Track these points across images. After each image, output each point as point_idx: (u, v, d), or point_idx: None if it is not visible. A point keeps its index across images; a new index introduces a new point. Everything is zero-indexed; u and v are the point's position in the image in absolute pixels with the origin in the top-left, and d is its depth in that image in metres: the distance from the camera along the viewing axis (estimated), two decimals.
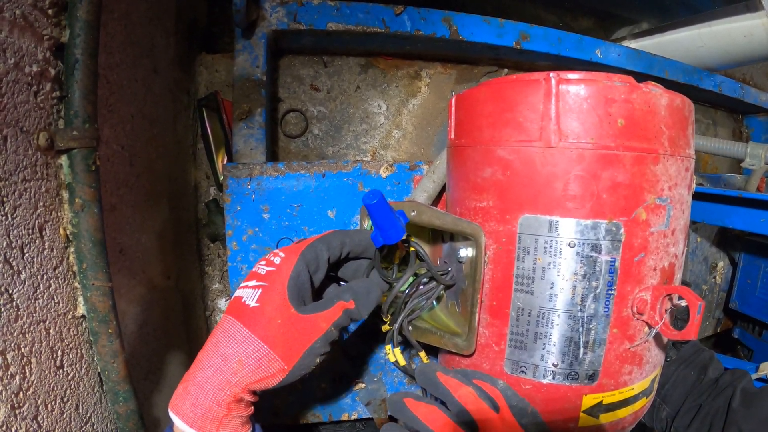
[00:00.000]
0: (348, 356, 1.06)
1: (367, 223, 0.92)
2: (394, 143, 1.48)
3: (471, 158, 0.76)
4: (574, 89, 0.68)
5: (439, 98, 1.52)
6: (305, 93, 1.40)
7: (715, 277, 1.68)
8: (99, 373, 0.81)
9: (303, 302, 0.72)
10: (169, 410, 0.66)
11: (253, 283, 0.71)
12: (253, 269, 0.74)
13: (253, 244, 1.01)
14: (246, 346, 0.66)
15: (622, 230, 0.68)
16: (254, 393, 0.69)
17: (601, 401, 0.74)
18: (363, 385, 1.08)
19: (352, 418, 1.10)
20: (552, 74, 0.68)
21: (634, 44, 1.70)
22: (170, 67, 1.21)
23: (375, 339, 1.07)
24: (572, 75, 0.68)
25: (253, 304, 0.69)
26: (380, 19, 1.23)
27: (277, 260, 0.72)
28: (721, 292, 1.73)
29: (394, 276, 0.83)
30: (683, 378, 1.01)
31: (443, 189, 0.98)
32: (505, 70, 1.59)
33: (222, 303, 1.43)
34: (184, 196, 1.32)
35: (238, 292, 0.72)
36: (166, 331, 1.12)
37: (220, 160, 1.32)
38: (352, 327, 1.04)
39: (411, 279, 0.85)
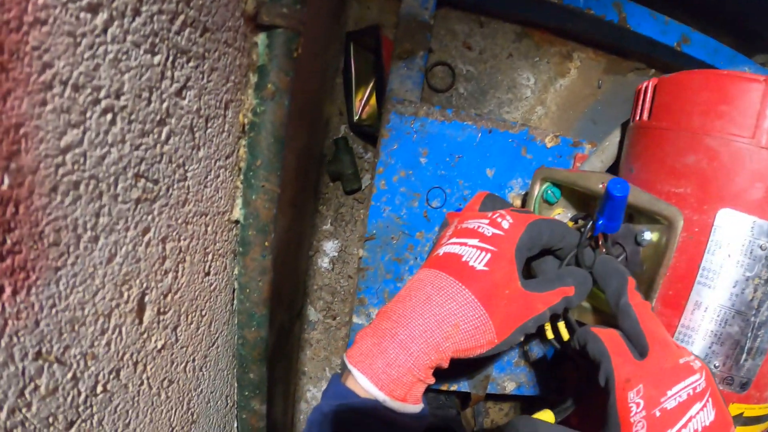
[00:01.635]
0: None
1: (539, 189, 0.85)
2: (536, 119, 1.39)
3: (672, 143, 0.76)
4: None
5: (585, 84, 1.42)
6: (457, 49, 1.30)
7: None
8: (234, 290, 0.71)
9: (525, 282, 0.65)
10: (349, 365, 0.58)
11: (476, 242, 0.64)
12: (470, 226, 0.67)
13: (402, 187, 0.94)
14: (467, 310, 0.59)
15: None
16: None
17: (743, 413, 0.73)
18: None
19: (446, 388, 1.05)
20: None
21: None
22: None
23: None
24: None
25: (480, 267, 0.61)
26: None
27: (505, 224, 0.66)
28: None
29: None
30: None
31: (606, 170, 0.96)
32: (653, 71, 1.49)
33: (328, 246, 1.35)
34: (318, 127, 1.23)
35: (455, 249, 0.65)
36: (284, 263, 1.02)
37: (359, 99, 1.22)
38: None
39: None
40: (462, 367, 1.02)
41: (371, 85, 1.21)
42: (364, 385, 0.57)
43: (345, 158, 1.22)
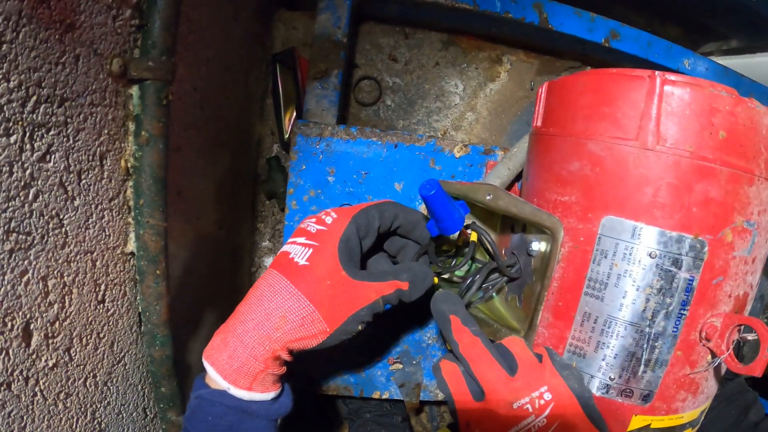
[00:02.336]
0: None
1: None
2: (467, 126, 1.44)
3: (558, 149, 0.72)
4: (679, 92, 0.63)
5: (517, 86, 1.47)
6: (382, 62, 1.36)
7: (767, 318, 1.59)
8: (139, 314, 0.79)
9: (354, 266, 0.70)
10: (203, 360, 0.64)
11: (302, 240, 0.69)
12: (302, 225, 0.71)
13: (313, 205, 0.99)
14: (291, 303, 0.64)
15: (706, 248, 0.64)
16: (291, 353, 0.66)
17: (650, 424, 0.70)
18: (400, 366, 1.05)
19: (384, 397, 1.07)
20: (657, 73, 0.64)
21: (722, 61, 1.61)
22: (250, 17, 1.19)
23: (419, 322, 1.04)
24: (677, 77, 0.64)
25: (302, 262, 0.66)
26: None
27: (328, 220, 0.70)
28: None
29: (454, 262, 0.80)
30: (723, 416, 1.00)
31: (515, 179, 0.95)
32: (588, 68, 1.52)
33: (269, 261, 1.40)
34: (247, 149, 1.29)
35: (286, 248, 0.69)
36: (211, 281, 1.10)
37: (288, 118, 1.29)
38: None
39: (470, 266, 0.83)
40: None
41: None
42: (213, 376, 0.63)
43: (278, 177, 1.28)
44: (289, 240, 0.70)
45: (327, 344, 0.67)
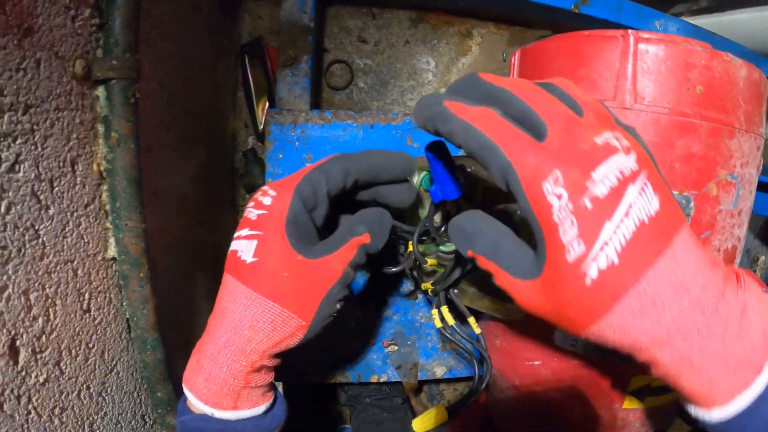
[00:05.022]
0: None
1: (417, 178, 0.88)
2: None
3: None
4: (654, 49, 0.65)
5: (489, 59, 1.46)
6: (352, 44, 1.35)
7: (755, 270, 1.61)
8: (127, 320, 0.77)
9: (310, 244, 0.61)
10: (183, 384, 0.59)
11: (246, 232, 0.60)
12: (245, 214, 0.62)
13: None
14: (255, 309, 0.58)
15: (692, 204, 0.65)
16: (275, 356, 0.61)
17: (650, 384, 0.72)
18: (396, 348, 1.05)
19: (381, 380, 1.06)
20: (630, 32, 0.65)
21: (692, 21, 1.61)
22: (213, 9, 1.16)
23: (410, 303, 1.04)
24: (651, 35, 0.65)
25: (250, 259, 0.58)
26: None
27: (267, 201, 0.60)
28: None
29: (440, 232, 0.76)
30: None
31: None
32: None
33: None
34: (222, 143, 1.28)
35: (233, 245, 0.61)
36: (195, 281, 1.09)
37: (261, 109, 1.28)
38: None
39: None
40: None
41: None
42: (193, 402, 0.58)
43: (255, 169, 1.27)
44: (235, 234, 0.62)
45: (310, 336, 0.61)
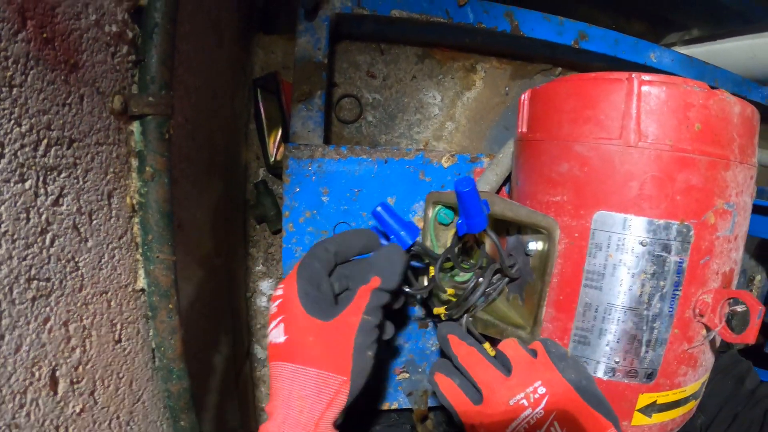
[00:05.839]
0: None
1: (432, 212, 0.91)
2: (447, 135, 1.46)
3: (547, 153, 0.77)
4: (656, 91, 0.69)
5: (493, 93, 1.50)
6: (361, 79, 1.38)
7: (751, 290, 1.64)
8: (153, 350, 0.78)
9: (329, 308, 0.69)
10: None
11: (274, 323, 0.69)
12: (270, 313, 0.72)
13: (309, 226, 0.99)
14: (297, 380, 0.64)
15: (692, 232, 0.70)
16: (333, 423, 0.65)
17: (656, 401, 0.75)
18: (407, 375, 1.07)
19: (392, 408, 1.09)
20: (634, 75, 0.69)
21: (684, 50, 1.65)
22: (232, 42, 1.19)
23: (421, 331, 1.06)
24: (653, 77, 0.69)
25: (281, 339, 0.67)
26: (443, 9, 1.20)
27: (279, 292, 0.71)
28: None
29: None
30: (720, 387, 1.05)
31: (503, 183, 0.98)
32: (559, 69, 1.57)
33: (264, 285, 1.42)
34: (236, 174, 1.30)
35: (268, 338, 0.70)
36: (214, 310, 1.10)
37: (272, 141, 1.30)
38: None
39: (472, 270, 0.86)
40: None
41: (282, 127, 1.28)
42: None
43: (266, 201, 1.29)
44: (268, 330, 0.71)
45: (355, 390, 0.66)
